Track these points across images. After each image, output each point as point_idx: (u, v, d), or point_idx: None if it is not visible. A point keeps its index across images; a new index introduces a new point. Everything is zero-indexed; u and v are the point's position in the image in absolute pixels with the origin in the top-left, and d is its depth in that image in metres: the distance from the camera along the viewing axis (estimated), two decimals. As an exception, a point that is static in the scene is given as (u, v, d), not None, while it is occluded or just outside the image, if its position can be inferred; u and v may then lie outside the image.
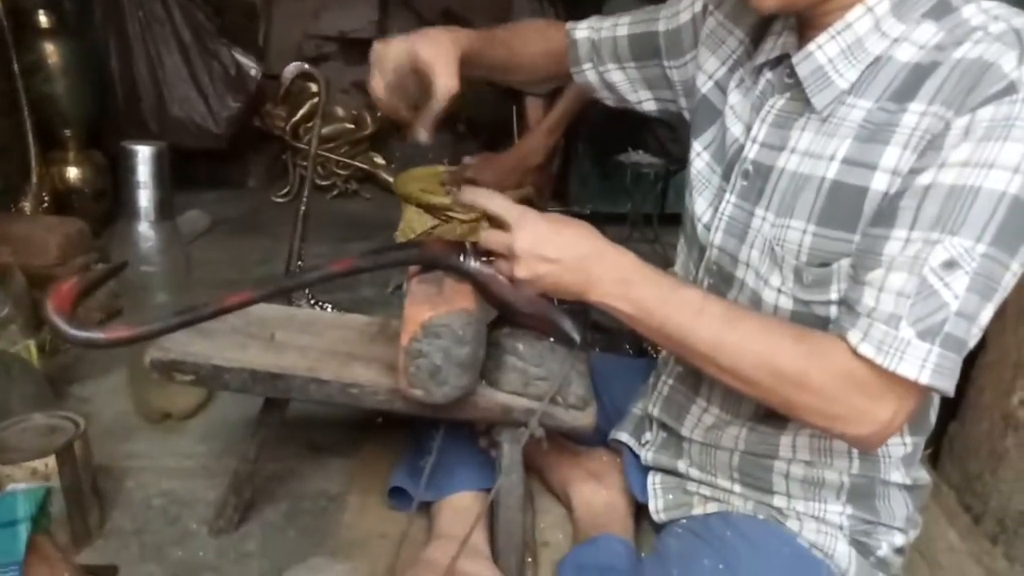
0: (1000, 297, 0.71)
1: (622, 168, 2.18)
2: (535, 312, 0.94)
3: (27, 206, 1.91)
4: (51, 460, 0.98)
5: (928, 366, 0.70)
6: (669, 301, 0.80)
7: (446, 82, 0.88)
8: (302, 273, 0.86)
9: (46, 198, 1.96)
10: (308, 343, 1.03)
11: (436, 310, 0.87)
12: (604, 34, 1.09)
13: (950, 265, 0.69)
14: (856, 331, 0.73)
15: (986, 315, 0.71)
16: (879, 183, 0.75)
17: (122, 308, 1.46)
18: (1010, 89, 0.68)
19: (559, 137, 1.93)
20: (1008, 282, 0.70)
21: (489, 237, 0.86)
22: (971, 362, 1.22)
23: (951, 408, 1.26)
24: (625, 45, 1.08)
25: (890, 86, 0.76)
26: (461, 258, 0.92)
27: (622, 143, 2.16)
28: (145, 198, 1.22)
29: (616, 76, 1.10)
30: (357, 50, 3.12)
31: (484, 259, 0.91)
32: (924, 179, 0.71)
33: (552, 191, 2.31)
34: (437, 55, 0.88)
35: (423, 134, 0.90)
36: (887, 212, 0.73)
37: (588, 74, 1.12)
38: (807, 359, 0.75)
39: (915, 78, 0.74)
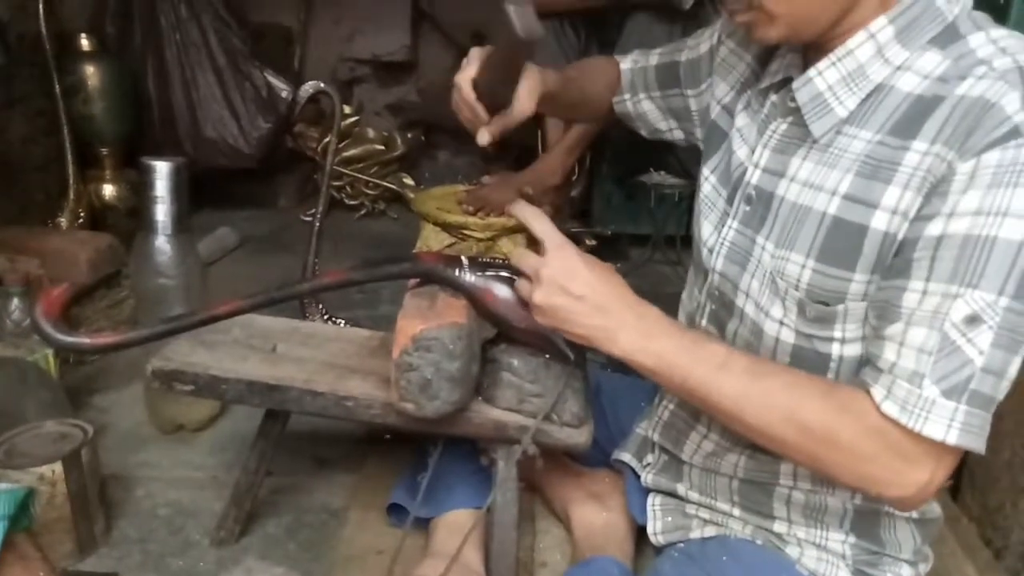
0: None
1: (645, 189, 2.17)
2: (530, 328, 0.93)
3: (63, 222, 1.97)
4: (57, 466, 1.00)
5: (955, 426, 0.67)
6: (692, 354, 0.77)
7: (526, 103, 0.88)
8: (293, 284, 0.87)
9: (82, 214, 2.03)
10: (308, 355, 1.04)
11: (427, 323, 0.87)
12: (639, 65, 1.12)
13: (973, 320, 0.66)
14: (879, 388, 0.71)
15: (1014, 368, 0.68)
16: (879, 222, 0.73)
17: (139, 320, 1.49)
18: (1015, 133, 0.65)
19: (577, 158, 1.93)
20: None
21: (521, 256, 0.85)
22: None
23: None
24: (653, 75, 1.10)
25: (891, 118, 0.74)
26: (457, 271, 0.92)
27: (644, 164, 2.16)
28: (162, 212, 1.25)
29: (646, 105, 1.12)
30: (390, 73, 3.19)
31: (480, 273, 0.91)
32: (935, 229, 0.68)
33: (573, 212, 2.31)
34: (526, 81, 0.88)
35: (485, 137, 0.90)
36: (901, 264, 0.71)
37: (627, 104, 1.14)
38: (836, 415, 0.72)
39: (917, 112, 0.72)
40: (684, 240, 2.20)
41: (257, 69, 2.35)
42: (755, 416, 0.75)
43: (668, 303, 1.05)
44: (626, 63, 1.13)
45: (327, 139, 2.67)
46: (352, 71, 3.14)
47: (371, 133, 2.84)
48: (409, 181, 2.83)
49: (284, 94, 2.38)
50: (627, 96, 1.13)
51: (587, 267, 0.80)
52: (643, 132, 1.16)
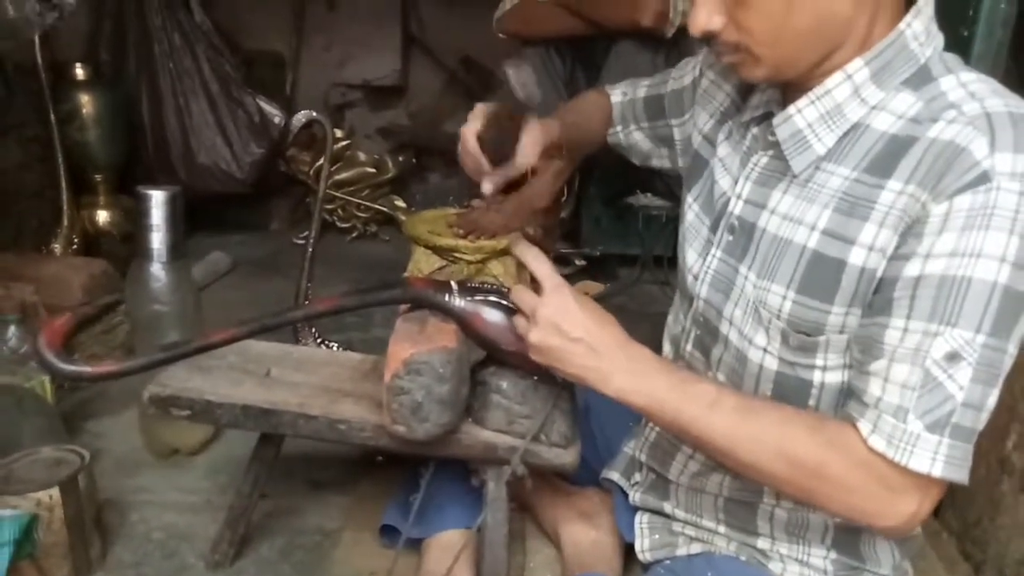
0: (1001, 379, 0.71)
1: (633, 210, 2.21)
2: (519, 350, 0.95)
3: (57, 248, 1.99)
4: (55, 492, 1.02)
5: (939, 458, 0.70)
6: (683, 393, 0.79)
7: (528, 156, 0.94)
8: (286, 311, 0.90)
9: (76, 240, 2.05)
10: (301, 380, 1.06)
11: (418, 347, 0.89)
12: (628, 97, 1.15)
13: (952, 357, 0.69)
14: (866, 422, 0.74)
15: (992, 400, 0.71)
16: (856, 258, 0.76)
17: (134, 346, 1.50)
18: (984, 178, 0.68)
19: (565, 181, 1.96)
20: (1007, 364, 0.71)
21: (520, 294, 0.87)
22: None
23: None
24: (641, 107, 1.14)
25: (867, 156, 0.77)
26: (446, 297, 0.95)
27: (632, 186, 2.20)
28: (158, 240, 1.28)
29: (636, 136, 1.16)
30: (381, 97, 3.24)
31: (469, 298, 0.94)
32: (913, 269, 0.71)
33: (562, 233, 2.35)
34: (529, 133, 0.94)
35: (489, 186, 0.95)
36: (882, 302, 0.74)
37: (619, 135, 1.18)
38: (825, 449, 0.75)
39: (891, 152, 0.75)
40: (672, 260, 2.23)
41: (249, 95, 2.39)
42: (746, 452, 0.77)
43: (656, 322, 1.09)
44: (616, 95, 1.17)
45: (319, 163, 2.70)
46: (343, 95, 3.19)
47: (362, 156, 2.87)
48: (400, 203, 2.86)
49: (276, 120, 2.42)
50: (619, 128, 1.17)
51: (582, 309, 0.83)
52: (635, 160, 1.20)
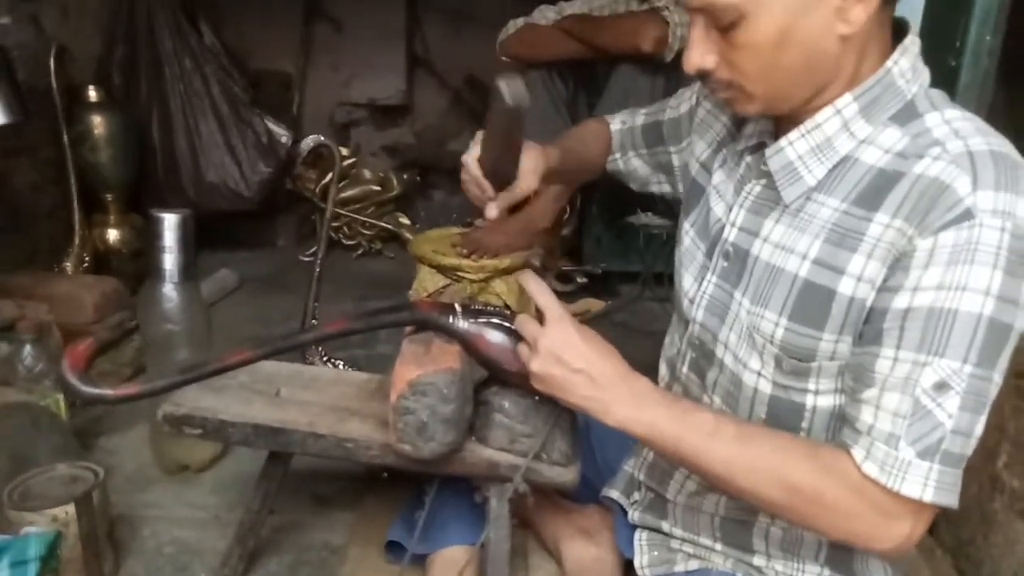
0: (988, 407, 0.74)
1: (634, 229, 2.24)
2: (520, 371, 0.98)
3: (68, 266, 2.03)
4: (70, 508, 1.05)
5: (930, 484, 0.73)
6: (682, 423, 0.82)
7: (529, 181, 0.98)
8: (298, 333, 0.94)
9: (87, 258, 2.09)
10: (310, 399, 1.09)
11: (423, 369, 0.92)
12: (627, 126, 1.19)
13: (941, 386, 0.72)
14: (859, 449, 0.76)
15: (980, 427, 0.74)
16: (845, 287, 0.78)
17: (145, 364, 1.54)
18: (967, 215, 0.71)
19: (566, 202, 2.00)
20: (993, 392, 0.74)
21: (524, 324, 0.90)
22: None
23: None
24: (640, 134, 1.17)
25: (856, 188, 0.80)
26: (450, 319, 0.98)
27: (632, 206, 2.24)
28: (170, 261, 1.31)
29: (635, 163, 1.19)
30: (386, 116, 3.28)
31: (473, 320, 0.97)
32: (901, 302, 0.74)
33: (565, 251, 2.39)
34: (529, 158, 0.98)
35: (493, 211, 0.99)
36: (873, 332, 0.77)
37: (618, 162, 1.21)
38: (821, 476, 0.77)
39: (879, 185, 0.78)
40: (672, 277, 2.27)
41: (258, 116, 2.43)
42: (745, 479, 0.80)
43: (657, 340, 1.12)
44: (615, 124, 1.20)
45: (325, 180, 2.75)
46: (349, 114, 3.23)
47: (368, 174, 2.92)
48: (405, 221, 2.90)
49: (283, 139, 2.47)
50: (618, 155, 1.21)
51: (583, 340, 0.85)
52: (633, 186, 1.23)
